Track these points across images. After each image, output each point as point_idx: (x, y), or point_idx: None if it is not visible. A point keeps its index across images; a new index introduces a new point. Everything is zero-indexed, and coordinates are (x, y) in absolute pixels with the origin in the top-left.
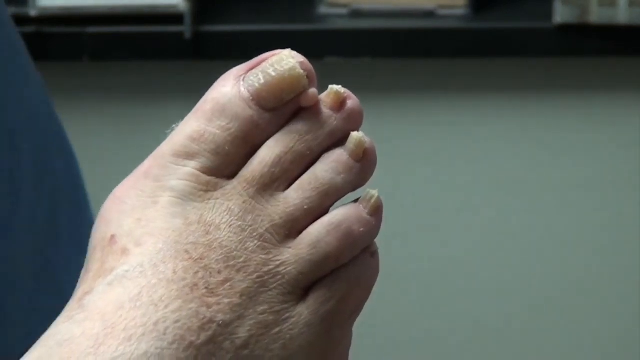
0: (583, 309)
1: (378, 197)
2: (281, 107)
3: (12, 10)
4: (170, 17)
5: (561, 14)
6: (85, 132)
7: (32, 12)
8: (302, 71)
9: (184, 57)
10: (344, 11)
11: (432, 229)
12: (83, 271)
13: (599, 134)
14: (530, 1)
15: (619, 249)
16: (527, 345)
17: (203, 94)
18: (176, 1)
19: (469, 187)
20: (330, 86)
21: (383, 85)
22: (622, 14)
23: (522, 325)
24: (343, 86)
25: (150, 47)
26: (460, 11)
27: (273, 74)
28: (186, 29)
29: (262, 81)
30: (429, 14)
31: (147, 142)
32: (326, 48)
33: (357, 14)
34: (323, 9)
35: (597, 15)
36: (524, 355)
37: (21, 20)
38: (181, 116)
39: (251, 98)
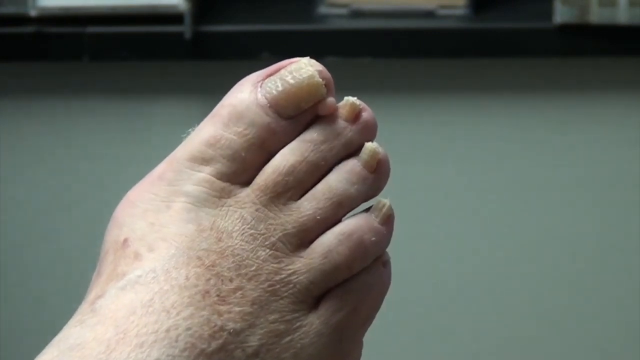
0: (583, 308)
1: (389, 207)
2: (298, 115)
3: (12, 10)
4: (170, 17)
5: (561, 14)
6: (86, 132)
7: (32, 12)
8: (320, 80)
9: (184, 57)
10: (344, 11)
11: (431, 229)
12: (95, 274)
13: (599, 134)
14: (530, 1)
15: (619, 249)
16: (527, 345)
17: (203, 94)
18: (176, 1)
19: (469, 187)
20: (346, 98)
21: (383, 85)
22: (622, 14)
23: (522, 325)
24: (343, 86)
25: (150, 47)
26: (460, 11)
27: (291, 81)
28: (186, 29)
29: (280, 88)
30: (429, 14)
31: (147, 142)
32: (326, 48)
33: (357, 14)
34: (323, 9)
35: (597, 15)
36: (524, 355)
37: (21, 20)
38: (181, 116)
39: (268, 105)
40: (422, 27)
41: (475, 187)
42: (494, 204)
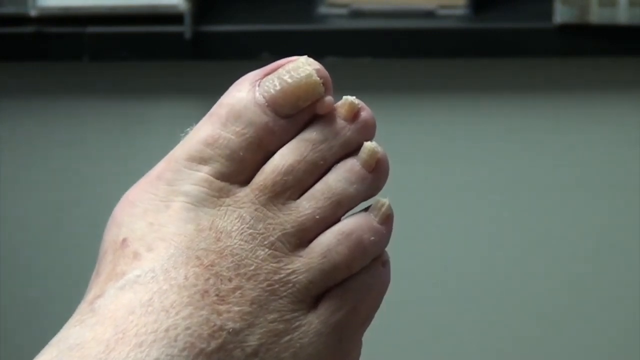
0: (583, 308)
1: (389, 206)
2: (296, 114)
3: (12, 10)
4: (170, 17)
5: (561, 14)
6: (86, 132)
7: (32, 12)
8: (318, 79)
9: (184, 57)
10: (344, 11)
11: (431, 229)
12: (94, 274)
13: (599, 134)
14: (530, 1)
15: (619, 249)
16: (526, 345)
17: (203, 94)
18: (176, 1)
19: (469, 187)
20: (344, 97)
21: (383, 85)
22: (622, 14)
23: (521, 324)
24: (343, 86)
25: (150, 47)
26: (460, 11)
27: (289, 80)
28: (186, 29)
29: (277, 87)
30: (429, 14)
31: (147, 142)
32: (326, 48)
33: (357, 14)
34: (323, 9)
35: (597, 15)
36: (523, 355)
37: (21, 20)
38: (181, 116)
39: (266, 104)
40: (422, 27)
41: (475, 187)
42: (493, 204)
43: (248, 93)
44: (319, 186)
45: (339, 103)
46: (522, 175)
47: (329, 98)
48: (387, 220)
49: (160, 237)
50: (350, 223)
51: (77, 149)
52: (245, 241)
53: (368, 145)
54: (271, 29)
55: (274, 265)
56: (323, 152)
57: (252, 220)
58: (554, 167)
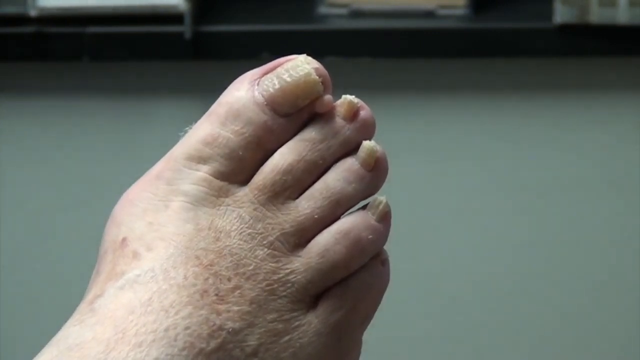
0: (582, 308)
1: (386, 204)
2: (295, 113)
3: (12, 10)
4: (170, 17)
5: (561, 14)
6: (86, 132)
7: (32, 12)
8: (317, 77)
9: (184, 57)
10: (344, 11)
11: (431, 228)
12: (94, 273)
13: (599, 134)
14: (530, 1)
15: (618, 250)
16: (526, 345)
17: (203, 94)
18: (176, 1)
19: (469, 187)
20: (343, 96)
21: (383, 85)
22: (622, 14)
23: (521, 325)
24: (343, 86)
25: (150, 47)
26: (460, 11)
27: (288, 79)
28: (186, 29)
29: (276, 86)
30: (429, 14)
31: (147, 142)
32: (326, 48)
33: (357, 14)
34: (323, 9)
35: (597, 15)
36: (523, 355)
37: (21, 20)
38: (181, 116)
39: (265, 103)
40: (422, 27)
41: (475, 186)
42: (493, 204)
43: (247, 92)
44: (317, 186)
45: (338, 102)
46: (522, 175)
47: (328, 97)
48: (384, 217)
49: (159, 236)
50: (347, 222)
51: (77, 149)
52: (244, 241)
53: (367, 144)
54: (271, 29)
55: (273, 265)
56: (322, 151)
57: (251, 220)
58: (553, 167)
